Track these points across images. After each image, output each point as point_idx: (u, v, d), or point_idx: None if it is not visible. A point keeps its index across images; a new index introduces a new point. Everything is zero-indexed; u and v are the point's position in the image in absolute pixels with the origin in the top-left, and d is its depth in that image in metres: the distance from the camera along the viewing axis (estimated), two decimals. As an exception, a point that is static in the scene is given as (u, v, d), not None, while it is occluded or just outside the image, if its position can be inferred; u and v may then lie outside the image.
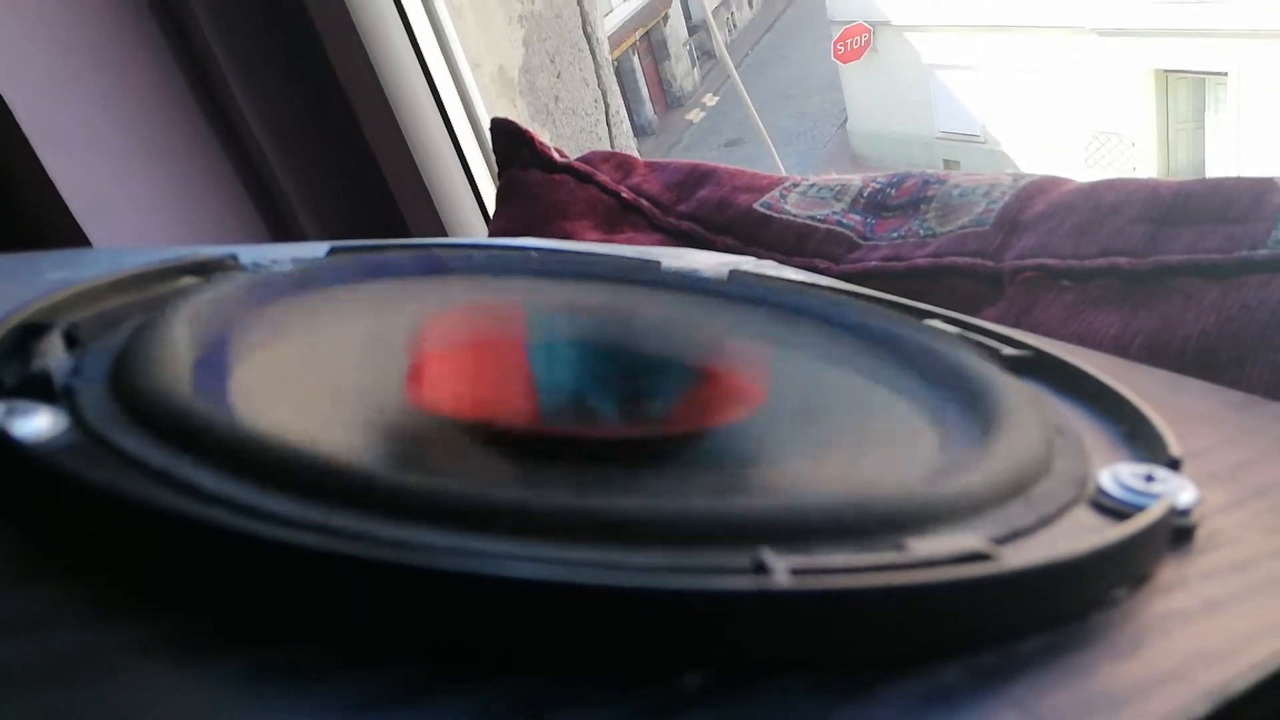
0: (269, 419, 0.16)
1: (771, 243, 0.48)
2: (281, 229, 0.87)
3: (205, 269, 0.27)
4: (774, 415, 0.20)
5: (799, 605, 0.12)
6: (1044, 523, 0.15)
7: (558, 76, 1.01)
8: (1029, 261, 0.38)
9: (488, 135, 0.91)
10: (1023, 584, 0.13)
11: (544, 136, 1.07)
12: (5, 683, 0.12)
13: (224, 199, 0.87)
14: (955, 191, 0.45)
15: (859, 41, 5.22)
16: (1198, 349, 0.31)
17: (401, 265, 0.28)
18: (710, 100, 5.56)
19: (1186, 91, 4.94)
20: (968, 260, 0.40)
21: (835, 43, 5.15)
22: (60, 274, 0.29)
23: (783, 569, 0.12)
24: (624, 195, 0.52)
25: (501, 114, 0.98)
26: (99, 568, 0.14)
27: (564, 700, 0.11)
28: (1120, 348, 0.33)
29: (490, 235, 0.56)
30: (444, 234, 0.90)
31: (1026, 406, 0.19)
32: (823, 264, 0.46)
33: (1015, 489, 0.16)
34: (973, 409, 0.19)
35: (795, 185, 0.51)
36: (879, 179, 0.49)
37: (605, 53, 1.04)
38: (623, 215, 0.51)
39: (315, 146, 0.89)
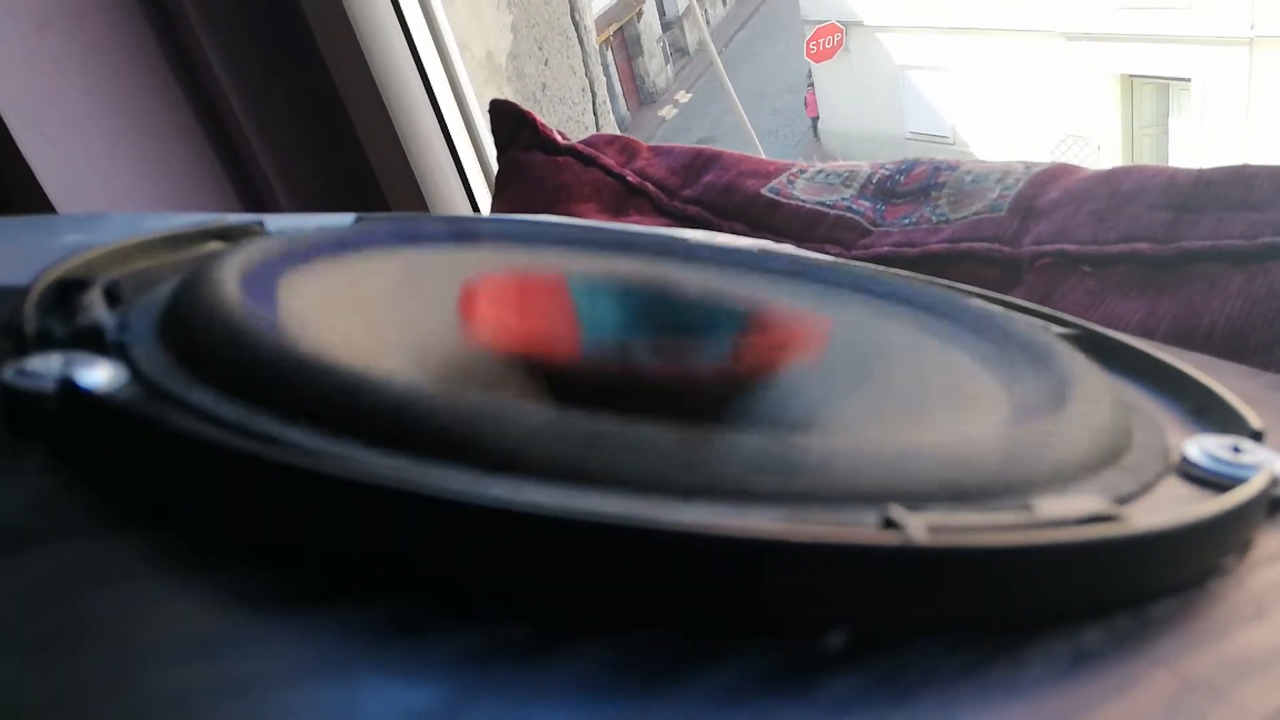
0: (336, 368, 0.15)
1: (780, 228, 0.47)
2: (261, 211, 0.85)
3: (232, 234, 0.26)
4: (848, 378, 0.20)
5: (939, 564, 0.11)
6: (1144, 490, 0.15)
7: (545, 64, 1.00)
8: (1047, 247, 0.38)
9: (476, 118, 0.90)
10: (1153, 546, 0.12)
11: (531, 124, 1.06)
12: (90, 633, 0.11)
13: (204, 182, 0.85)
14: (968, 178, 0.45)
15: (831, 41, 5.25)
16: (1225, 334, 0.31)
17: (435, 231, 0.27)
18: (683, 97, 5.56)
19: (1151, 96, 5.02)
20: (984, 246, 0.40)
21: (808, 42, 5.17)
22: (78, 236, 0.28)
23: (919, 526, 0.11)
24: (629, 179, 0.51)
25: (488, 101, 0.97)
26: (173, 516, 0.13)
27: (701, 656, 0.11)
28: (1146, 333, 0.33)
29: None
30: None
31: (1099, 377, 0.19)
32: (833, 249, 0.46)
33: (1110, 457, 0.16)
34: (1045, 377, 0.19)
35: (802, 171, 0.50)
36: (887, 166, 0.49)
37: (593, 41, 1.03)
38: (628, 199, 0.51)
39: (299, 129, 0.87)
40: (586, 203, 0.50)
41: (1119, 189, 0.38)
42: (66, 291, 0.19)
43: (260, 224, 0.27)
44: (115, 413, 0.14)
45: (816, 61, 5.34)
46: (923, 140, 5.31)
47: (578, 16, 1.00)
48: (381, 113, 0.85)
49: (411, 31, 0.83)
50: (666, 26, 5.66)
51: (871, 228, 0.46)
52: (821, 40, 5.18)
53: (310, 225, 0.29)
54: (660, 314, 0.23)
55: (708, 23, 5.72)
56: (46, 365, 0.15)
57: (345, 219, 0.31)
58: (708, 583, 0.11)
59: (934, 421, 0.17)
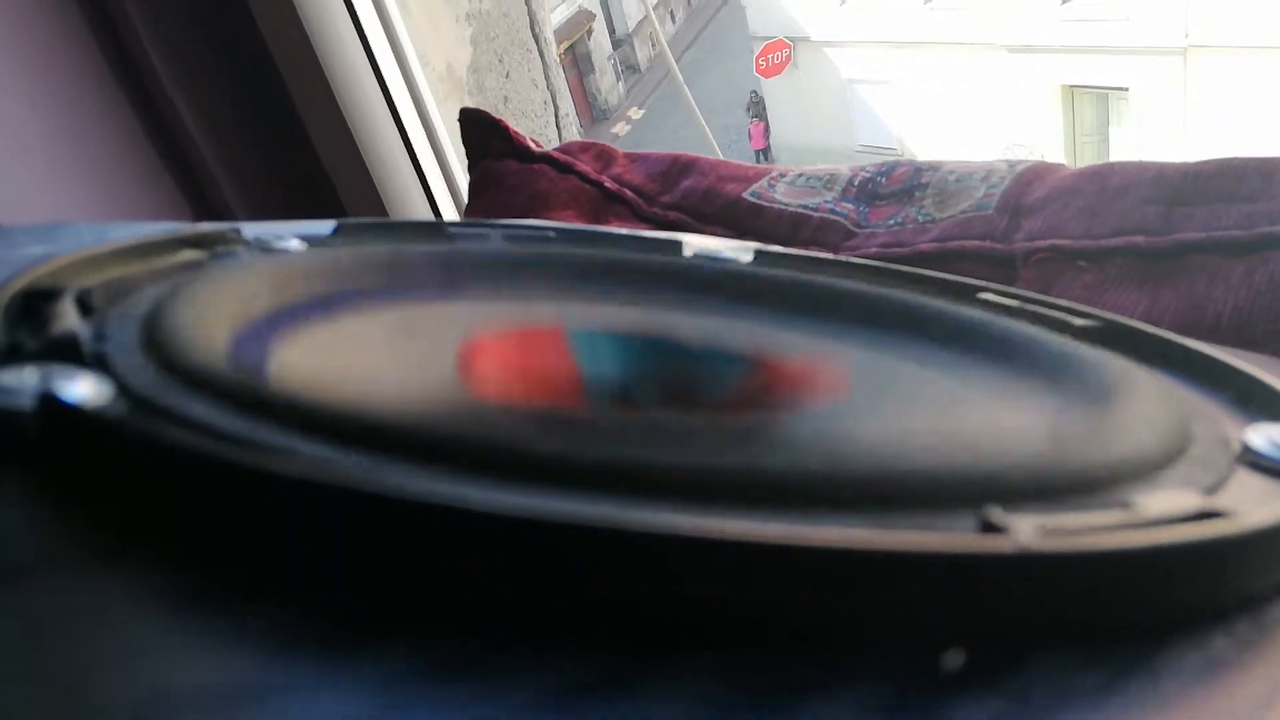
0: (333, 384, 0.14)
1: (764, 232, 0.47)
2: (211, 217, 0.83)
3: (207, 241, 0.25)
4: (886, 398, 0.19)
5: (1058, 570, 0.10)
6: (1220, 483, 0.14)
7: (506, 77, 0.98)
8: (1040, 243, 0.38)
9: (438, 130, 0.89)
10: (1263, 543, 0.11)
11: (493, 139, 1.04)
12: (90, 677, 0.10)
13: (156, 196, 0.83)
14: (951, 178, 0.44)
15: (780, 57, 5.31)
16: (1232, 325, 0.31)
17: (416, 262, 0.26)
18: (635, 114, 5.58)
19: (1091, 106, 5.15)
20: (975, 244, 0.39)
21: (757, 58, 5.23)
22: (40, 248, 0.26)
23: (1028, 530, 0.10)
24: (607, 185, 0.50)
25: (450, 113, 0.95)
26: (175, 541, 0.12)
27: (811, 681, 0.09)
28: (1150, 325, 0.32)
29: (464, 229, 0.54)
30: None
31: (1144, 371, 0.18)
32: (819, 252, 0.45)
33: (1178, 450, 0.15)
34: (1090, 375, 0.18)
35: (782, 175, 0.50)
36: (868, 168, 0.48)
37: (554, 54, 1.03)
38: (606, 206, 0.50)
39: (255, 145, 0.84)
40: (564, 210, 0.49)
41: (1107, 184, 0.38)
42: (35, 302, 0.17)
43: (236, 231, 0.26)
44: (106, 428, 0.12)
45: (766, 77, 5.40)
46: (872, 153, 5.38)
47: (538, 29, 0.99)
48: (341, 126, 0.83)
49: (370, 42, 0.81)
50: (617, 44, 5.68)
51: (856, 230, 0.45)
52: (770, 56, 5.24)
53: (288, 231, 0.28)
54: (669, 356, 0.22)
55: (652, 44, 5.76)
56: (20, 379, 0.14)
57: (324, 225, 0.29)
58: (801, 599, 0.10)
59: (992, 425, 0.16)
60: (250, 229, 0.27)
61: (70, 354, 0.15)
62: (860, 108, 5.37)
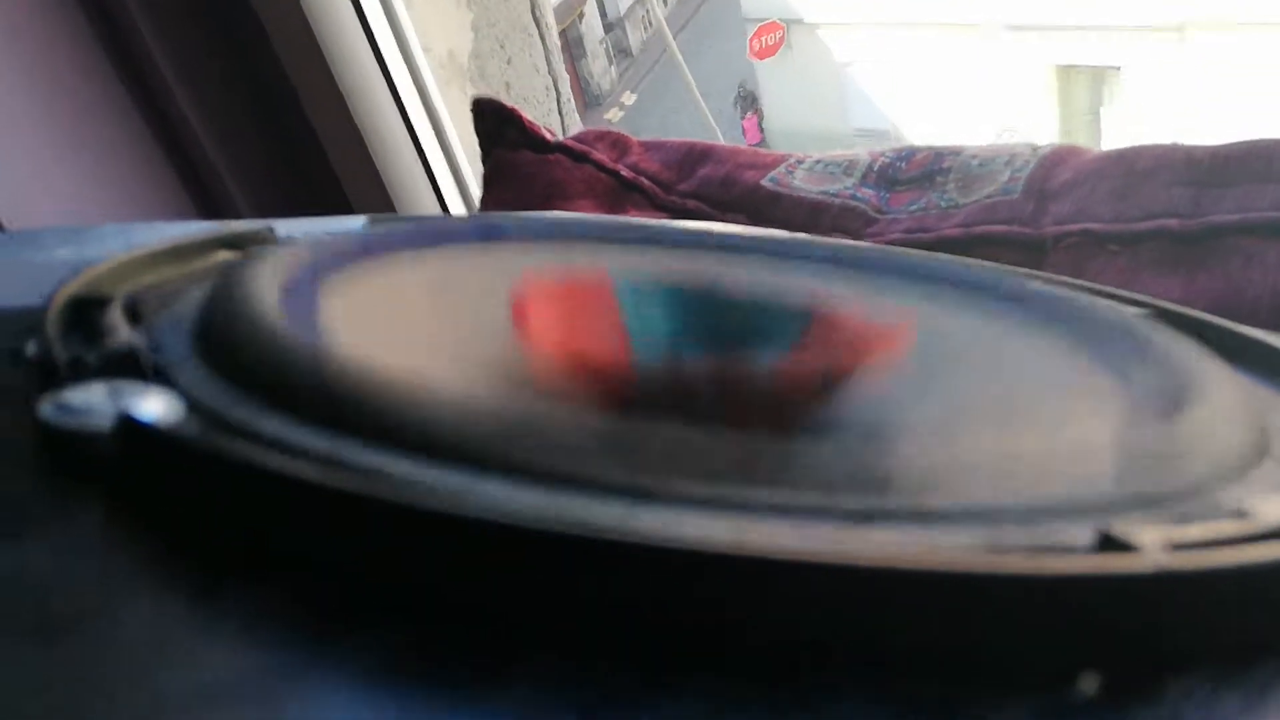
0: (428, 393, 0.13)
1: (783, 219, 0.46)
2: (214, 214, 0.82)
3: (242, 242, 0.24)
4: (949, 380, 0.19)
5: (1191, 587, 0.10)
6: None
7: (508, 63, 0.98)
8: (1070, 227, 0.37)
9: (443, 119, 0.88)
10: None
11: (495, 126, 1.03)
12: (198, 702, 0.10)
13: (158, 191, 0.82)
14: (974, 162, 0.44)
15: (773, 39, 5.29)
16: (1271, 309, 0.31)
17: (457, 231, 0.25)
18: (629, 99, 5.56)
19: (1084, 85, 5.14)
20: (1002, 229, 0.39)
21: (750, 40, 5.20)
22: (68, 250, 0.25)
23: (1157, 545, 0.10)
24: (623, 174, 0.49)
25: (452, 101, 0.95)
26: (271, 567, 0.11)
27: (950, 713, 0.09)
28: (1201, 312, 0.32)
29: (478, 219, 0.53)
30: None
31: (1215, 363, 0.18)
32: (841, 239, 0.45)
33: (1263, 448, 0.15)
34: (1160, 366, 0.17)
35: (800, 162, 0.49)
36: (887, 154, 0.48)
37: (555, 39, 1.02)
38: (624, 194, 0.49)
39: (258, 135, 0.84)
40: (581, 200, 0.49)
41: (1134, 168, 0.38)
42: (85, 311, 0.17)
43: (270, 230, 0.25)
44: (192, 451, 0.12)
45: (759, 59, 5.37)
46: (867, 136, 5.37)
47: (539, 14, 0.98)
48: (344, 115, 0.82)
49: (373, 29, 0.80)
50: (609, 28, 5.65)
51: (878, 215, 0.45)
52: (764, 38, 5.22)
53: (320, 230, 0.27)
54: (726, 318, 0.22)
55: (645, 26, 5.72)
56: (89, 398, 0.13)
57: (356, 221, 0.29)
58: (918, 623, 0.10)
59: (1066, 421, 0.16)
60: (283, 227, 0.27)
61: (132, 368, 0.15)
62: (854, 90, 5.35)
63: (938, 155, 0.46)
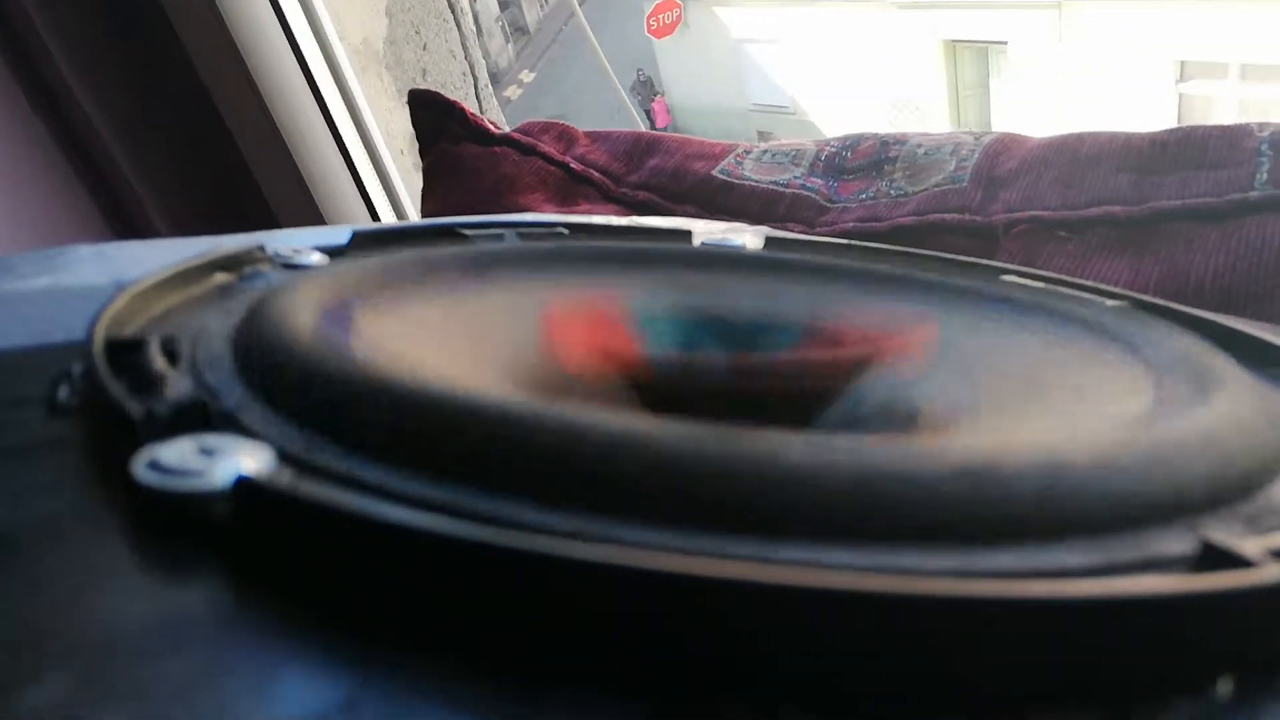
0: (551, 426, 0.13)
1: (737, 209, 0.47)
2: (129, 230, 0.78)
3: (237, 263, 0.24)
4: (983, 390, 0.19)
5: None
6: None
7: (424, 49, 0.95)
8: (1020, 214, 0.39)
9: (365, 113, 0.86)
10: None
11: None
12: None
13: (59, 198, 0.78)
14: (920, 151, 0.45)
15: (670, 17, 5.29)
16: (1214, 290, 0.33)
17: (448, 262, 0.25)
18: (527, 77, 5.49)
19: (972, 60, 5.31)
20: (954, 217, 0.41)
21: (648, 17, 5.20)
22: (46, 279, 0.24)
23: (1260, 554, 0.11)
24: (573, 166, 0.49)
25: (368, 89, 0.92)
26: (424, 632, 0.11)
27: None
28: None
29: (426, 217, 0.52)
30: (321, 223, 0.84)
31: (1219, 358, 0.19)
32: (796, 228, 0.45)
33: None
34: (1182, 366, 0.18)
35: (748, 152, 0.50)
36: (832, 143, 0.49)
37: (470, 23, 1.00)
38: (574, 187, 0.49)
39: (164, 133, 0.80)
40: (532, 193, 0.48)
41: (1077, 155, 0.40)
42: (120, 355, 0.16)
43: (261, 248, 0.25)
44: (316, 508, 0.12)
45: (657, 37, 5.37)
46: (765, 112, 5.44)
47: (453, -2, 0.96)
48: (260, 110, 0.79)
49: (288, 18, 0.77)
50: (504, 5, 5.56)
51: (828, 205, 0.46)
52: (661, 16, 5.22)
53: (307, 243, 0.27)
54: (756, 333, 0.22)
55: (542, 3, 5.65)
56: (182, 457, 0.13)
57: (340, 234, 0.28)
58: (1059, 649, 0.10)
59: (1118, 425, 0.17)
60: (271, 242, 0.26)
61: (199, 419, 0.14)
62: (752, 67, 5.40)
63: (883, 144, 0.47)
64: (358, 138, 0.84)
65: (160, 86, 0.77)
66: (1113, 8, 4.60)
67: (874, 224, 0.43)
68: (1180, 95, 4.73)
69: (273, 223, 0.85)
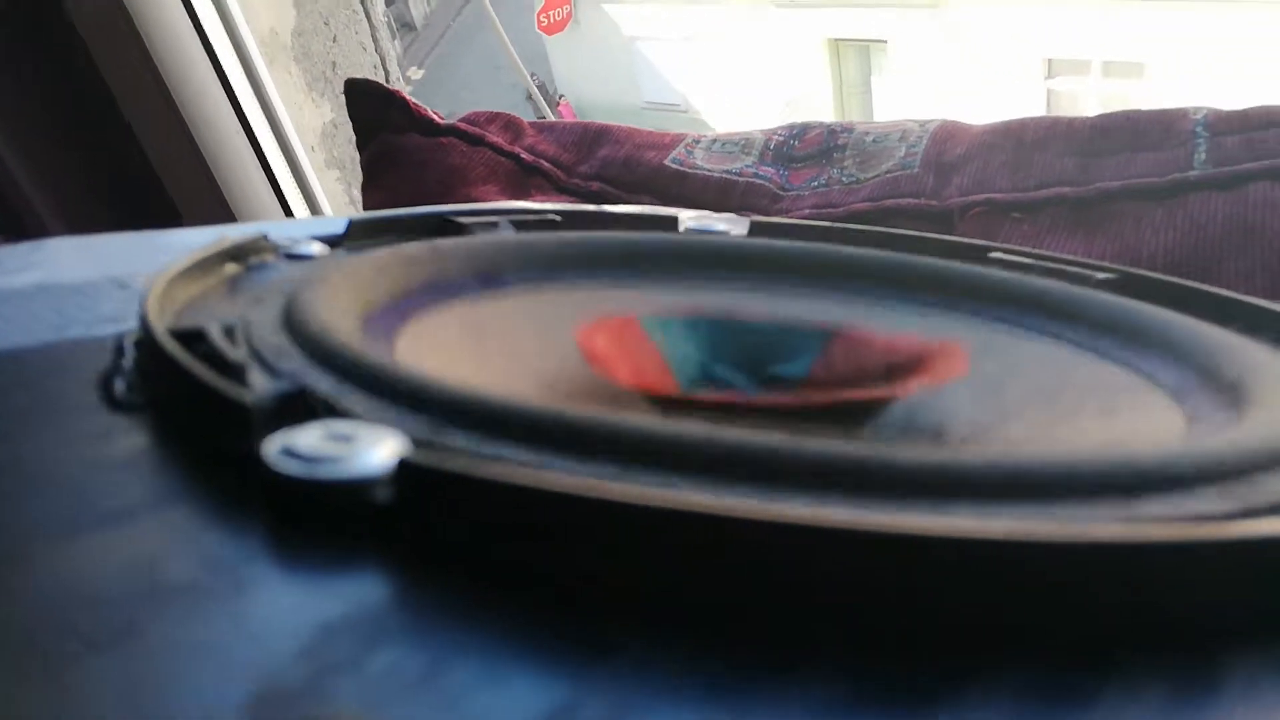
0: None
1: (692, 198, 0.47)
2: (16, 231, 0.74)
3: (242, 253, 0.23)
4: (1002, 374, 0.20)
5: None
6: None
7: (334, 40, 0.93)
8: (974, 197, 0.40)
9: (277, 106, 0.83)
10: None
11: (324, 105, 0.98)
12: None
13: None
14: (868, 139, 0.46)
15: (561, 14, 5.27)
16: (1165, 266, 0.35)
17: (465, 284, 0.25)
18: (416, 74, 5.38)
19: (855, 58, 5.47)
20: (910, 201, 0.42)
21: (538, 14, 5.17)
22: (32, 276, 0.23)
23: None
24: (524, 157, 0.49)
25: (277, 81, 0.89)
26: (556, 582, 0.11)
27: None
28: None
29: (369, 209, 0.51)
30: (231, 220, 0.81)
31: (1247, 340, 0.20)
32: (751, 215, 0.46)
33: None
34: (1214, 353, 0.19)
35: (697, 141, 0.50)
36: (779, 132, 0.50)
37: (380, 15, 0.97)
38: (525, 178, 0.49)
39: (57, 125, 0.76)
40: (485, 185, 0.48)
41: (1021, 140, 0.42)
42: (187, 346, 0.15)
43: (265, 237, 0.24)
44: (488, 485, 0.11)
45: (548, 34, 5.35)
46: (658, 110, 5.48)
47: (363, -11, 0.94)
48: (164, 101, 0.75)
49: (193, 3, 0.74)
50: (389, 1, 5.44)
51: (782, 192, 0.47)
52: (551, 12, 5.19)
53: (303, 233, 0.26)
54: (786, 344, 0.22)
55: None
56: (315, 444, 0.12)
57: (337, 224, 0.27)
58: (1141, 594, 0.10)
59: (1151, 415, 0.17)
60: (275, 231, 0.25)
61: (303, 407, 0.13)
62: (644, 65, 5.44)
63: (830, 132, 0.48)
64: (270, 132, 0.81)
65: (53, 74, 0.72)
66: (985, 8, 4.82)
67: (830, 210, 0.44)
68: (1049, 91, 4.99)
69: (176, 220, 0.81)
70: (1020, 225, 0.39)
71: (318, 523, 0.11)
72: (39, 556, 0.10)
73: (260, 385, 0.13)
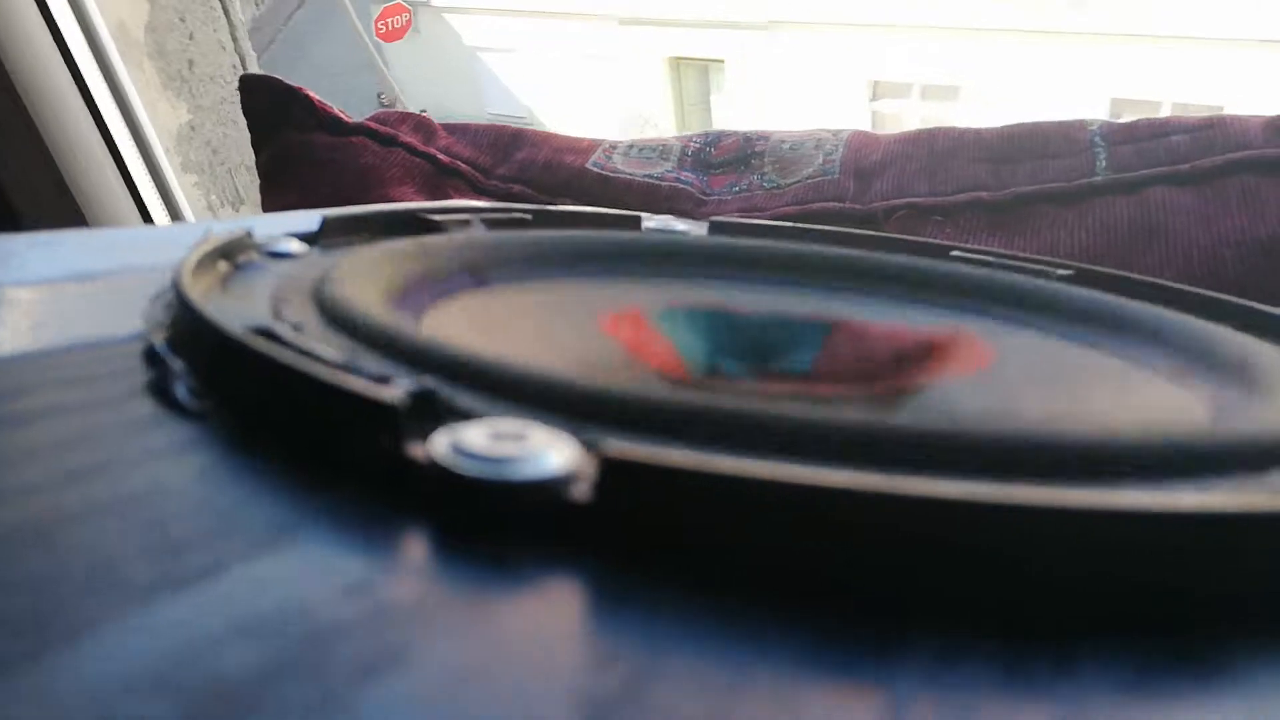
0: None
1: (615, 201, 0.47)
2: None
3: (230, 251, 0.21)
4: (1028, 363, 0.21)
5: None
6: None
7: (190, 38, 0.87)
8: (896, 201, 0.42)
9: (135, 104, 0.77)
10: None
11: (180, 106, 0.93)
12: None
13: None
14: (785, 146, 0.48)
15: (399, 21, 5.16)
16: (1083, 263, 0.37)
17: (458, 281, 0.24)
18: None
19: (695, 75, 5.61)
20: (835, 205, 0.43)
21: (376, 21, 5.03)
22: (47, 262, 0.20)
23: None
24: (440, 158, 0.47)
25: (128, 79, 0.83)
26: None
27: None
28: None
29: (270, 211, 0.48)
30: (82, 224, 0.74)
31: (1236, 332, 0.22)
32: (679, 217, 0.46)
33: None
34: (1218, 347, 0.21)
35: (614, 146, 0.50)
36: (694, 139, 0.51)
37: (239, 14, 0.92)
38: (442, 179, 0.47)
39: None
40: (401, 185, 0.46)
41: (935, 148, 0.44)
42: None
43: (249, 234, 0.22)
44: (744, 484, 0.10)
45: (387, 41, 5.21)
46: (502, 120, 5.43)
47: (221, -16, 0.88)
48: (9, 97, 0.69)
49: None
50: (214, 2, 5.15)
51: (704, 197, 0.47)
52: (390, 20, 5.07)
53: (279, 230, 0.24)
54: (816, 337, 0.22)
55: (257, 3, 5.31)
56: (488, 444, 0.11)
57: (310, 220, 0.26)
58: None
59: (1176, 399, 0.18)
60: (260, 227, 0.23)
61: (431, 409, 0.12)
62: (487, 75, 5.39)
63: (746, 140, 0.49)
64: (127, 131, 0.75)
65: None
66: (814, 32, 5.05)
67: (756, 214, 0.45)
68: (874, 112, 5.28)
69: (14, 224, 0.74)
70: (943, 227, 0.41)
71: (494, 526, 0.11)
72: (160, 612, 0.09)
73: (398, 385, 0.12)
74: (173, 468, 0.12)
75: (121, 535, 0.11)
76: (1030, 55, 4.68)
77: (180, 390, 0.14)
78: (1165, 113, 4.69)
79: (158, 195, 0.78)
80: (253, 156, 0.88)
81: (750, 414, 0.13)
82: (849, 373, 0.22)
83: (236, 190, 0.94)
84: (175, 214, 0.80)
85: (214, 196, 0.90)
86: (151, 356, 0.15)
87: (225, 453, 0.13)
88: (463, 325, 0.19)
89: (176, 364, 0.15)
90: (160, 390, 0.14)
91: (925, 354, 0.22)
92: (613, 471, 0.11)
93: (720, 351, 0.21)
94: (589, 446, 0.12)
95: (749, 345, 0.22)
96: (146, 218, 0.77)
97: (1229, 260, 0.36)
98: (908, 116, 5.32)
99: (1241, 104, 4.37)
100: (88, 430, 0.13)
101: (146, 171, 0.76)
